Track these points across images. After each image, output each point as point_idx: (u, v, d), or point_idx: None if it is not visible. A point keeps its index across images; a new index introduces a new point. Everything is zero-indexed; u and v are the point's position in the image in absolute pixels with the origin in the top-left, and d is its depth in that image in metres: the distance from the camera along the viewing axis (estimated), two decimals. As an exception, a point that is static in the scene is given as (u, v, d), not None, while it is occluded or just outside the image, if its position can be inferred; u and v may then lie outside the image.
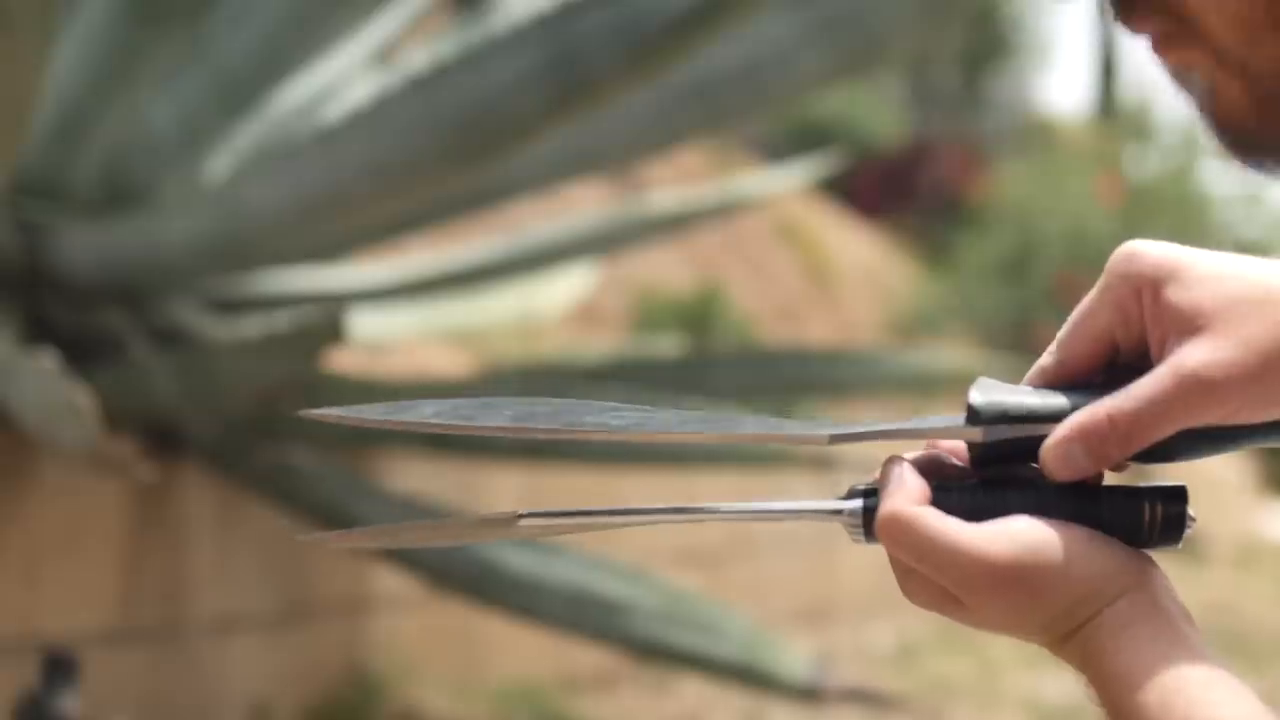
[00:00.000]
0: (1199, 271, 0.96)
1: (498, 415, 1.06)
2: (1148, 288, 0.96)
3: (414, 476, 4.12)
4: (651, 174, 8.43)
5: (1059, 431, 0.97)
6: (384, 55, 3.96)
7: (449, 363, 4.92)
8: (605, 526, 1.08)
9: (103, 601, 3.43)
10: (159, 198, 3.51)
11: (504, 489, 4.52)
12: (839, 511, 1.03)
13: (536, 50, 2.99)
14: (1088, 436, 0.96)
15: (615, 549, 4.59)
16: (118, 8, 3.27)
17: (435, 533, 1.17)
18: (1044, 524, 0.96)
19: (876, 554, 1.11)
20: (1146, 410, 0.95)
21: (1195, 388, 0.94)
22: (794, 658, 3.61)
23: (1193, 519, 1.03)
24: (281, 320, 3.19)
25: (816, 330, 9.76)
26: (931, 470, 1.00)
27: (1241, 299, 0.95)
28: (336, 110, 3.56)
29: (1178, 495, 1.01)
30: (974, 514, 0.98)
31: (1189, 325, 0.95)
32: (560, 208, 6.11)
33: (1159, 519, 1.01)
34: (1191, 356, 0.94)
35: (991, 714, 5.08)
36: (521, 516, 1.04)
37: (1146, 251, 0.97)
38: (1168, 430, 0.96)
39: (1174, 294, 0.95)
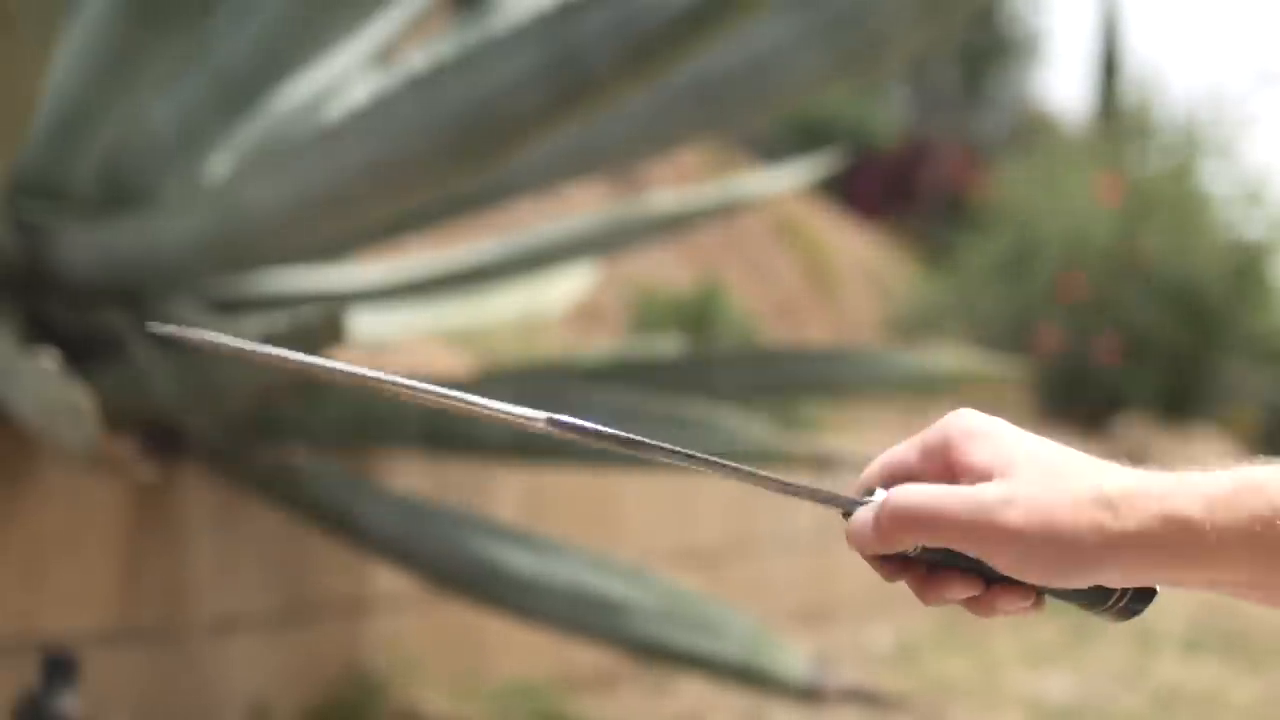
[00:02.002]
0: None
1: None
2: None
3: (414, 476, 4.12)
4: (651, 174, 8.44)
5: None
6: (384, 55, 3.96)
7: (449, 363, 4.92)
8: (628, 453, 1.11)
9: (103, 601, 3.43)
10: (159, 198, 3.51)
11: (505, 490, 4.52)
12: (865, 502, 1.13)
13: (536, 50, 2.99)
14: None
15: (615, 549, 4.59)
16: (118, 8, 3.26)
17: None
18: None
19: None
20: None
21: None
22: (794, 658, 3.60)
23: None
24: (281, 320, 3.18)
25: (816, 330, 9.76)
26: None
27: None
28: (336, 110, 3.55)
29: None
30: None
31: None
32: (560, 208, 6.11)
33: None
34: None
35: (991, 714, 5.07)
36: (555, 423, 1.10)
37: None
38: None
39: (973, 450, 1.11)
